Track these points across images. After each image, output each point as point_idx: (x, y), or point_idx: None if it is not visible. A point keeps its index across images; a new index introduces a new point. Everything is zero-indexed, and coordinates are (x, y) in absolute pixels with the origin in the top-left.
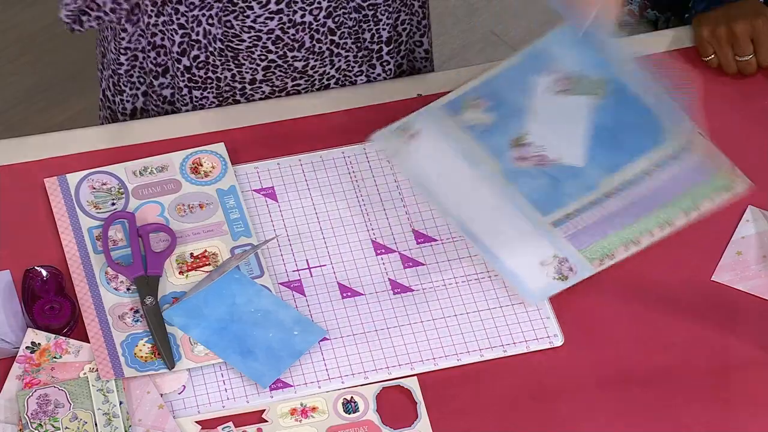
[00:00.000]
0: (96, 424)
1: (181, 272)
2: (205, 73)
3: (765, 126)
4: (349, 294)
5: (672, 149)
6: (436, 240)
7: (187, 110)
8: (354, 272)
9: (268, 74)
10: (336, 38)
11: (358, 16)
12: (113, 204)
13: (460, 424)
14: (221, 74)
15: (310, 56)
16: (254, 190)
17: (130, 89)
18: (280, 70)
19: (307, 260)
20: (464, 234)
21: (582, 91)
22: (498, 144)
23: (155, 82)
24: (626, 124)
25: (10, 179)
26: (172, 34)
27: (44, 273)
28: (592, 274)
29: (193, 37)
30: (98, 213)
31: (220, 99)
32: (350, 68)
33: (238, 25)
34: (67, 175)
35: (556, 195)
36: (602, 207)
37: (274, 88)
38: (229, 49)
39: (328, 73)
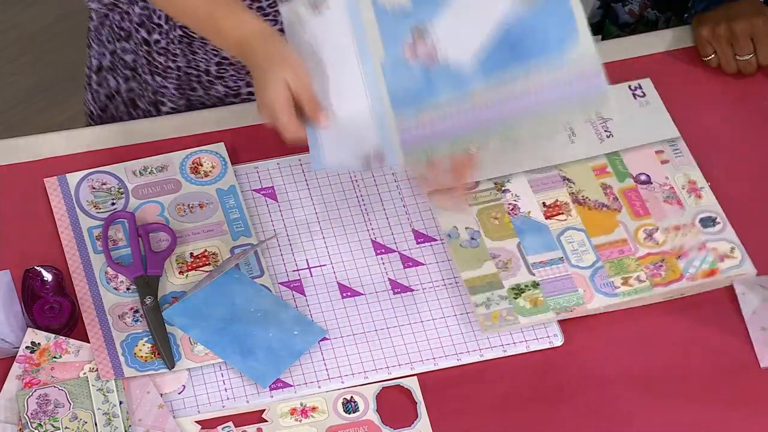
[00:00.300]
0: (96, 424)
1: (181, 272)
2: (165, 61)
3: (765, 126)
4: (349, 294)
5: (566, 63)
6: (436, 240)
7: (146, 79)
8: (354, 272)
9: (221, 71)
10: None
11: None
12: (113, 204)
13: (460, 424)
14: (180, 62)
15: None
16: (254, 190)
17: (98, 46)
18: (233, 69)
19: (307, 260)
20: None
21: None
22: (398, 28)
23: (118, 45)
24: (535, 30)
25: (10, 179)
26: (133, 3)
27: (44, 273)
28: (398, 164)
29: (155, 20)
30: (98, 213)
31: (181, 91)
32: None
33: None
34: (67, 174)
35: (419, 95)
36: (456, 108)
37: (228, 90)
38: (185, 35)
39: None
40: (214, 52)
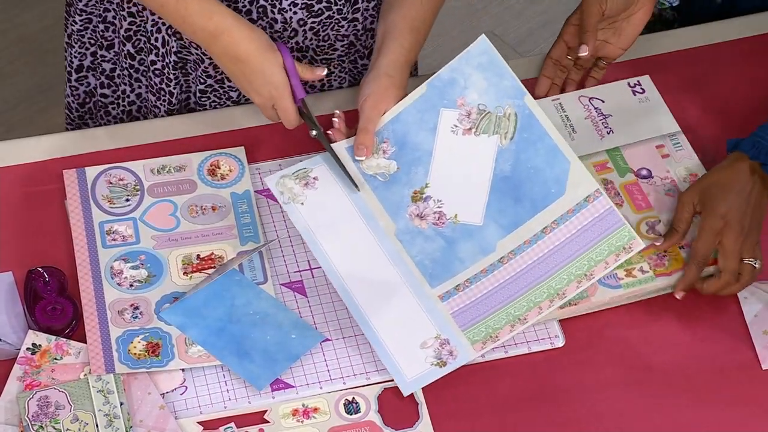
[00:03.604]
0: (97, 426)
1: (185, 273)
2: (160, 82)
3: (764, 117)
4: None
5: (572, 202)
6: None
7: (124, 89)
8: None
9: (203, 98)
10: None
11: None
12: (127, 200)
13: (462, 424)
14: (173, 88)
15: None
16: (256, 192)
17: (80, 47)
18: (215, 95)
19: (308, 261)
20: (347, 304)
21: (486, 128)
22: (397, 198)
23: (99, 52)
24: (529, 170)
25: (12, 180)
26: (121, 20)
27: (47, 274)
28: (472, 360)
29: (152, 41)
30: (111, 207)
31: (170, 114)
32: None
33: (188, 39)
34: (86, 168)
35: (448, 261)
36: (493, 276)
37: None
38: (180, 58)
39: None
40: (201, 80)
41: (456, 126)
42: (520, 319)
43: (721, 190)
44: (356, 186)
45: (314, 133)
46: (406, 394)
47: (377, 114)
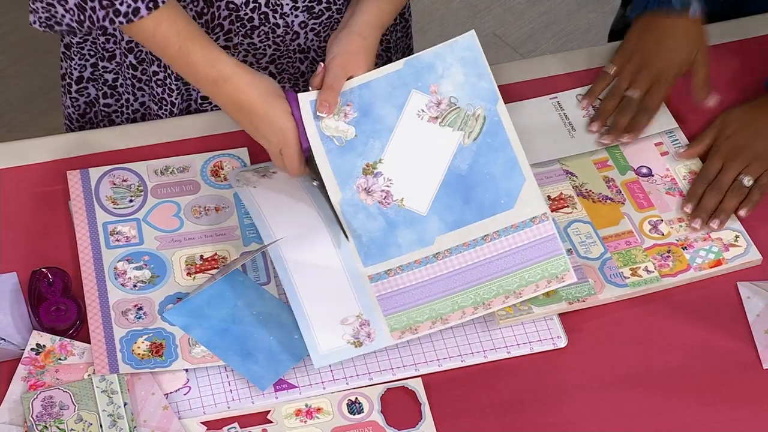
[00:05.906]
0: (101, 426)
1: (188, 273)
2: (162, 92)
3: None
4: None
5: (518, 218)
6: None
7: (127, 98)
8: None
9: (204, 105)
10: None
11: (313, 67)
12: (131, 201)
13: (464, 425)
14: (175, 98)
15: None
16: None
17: (80, 59)
18: (215, 103)
19: None
20: (276, 265)
21: (453, 122)
22: (349, 167)
23: (100, 63)
24: (484, 175)
25: (16, 181)
26: (122, 32)
27: (51, 274)
28: (387, 346)
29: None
30: (115, 208)
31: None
32: None
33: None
34: (89, 169)
35: (385, 243)
36: (426, 269)
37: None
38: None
39: None
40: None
41: (423, 111)
42: (442, 318)
43: (744, 116)
44: (347, 236)
45: (316, 183)
46: (317, 366)
47: (344, 74)
